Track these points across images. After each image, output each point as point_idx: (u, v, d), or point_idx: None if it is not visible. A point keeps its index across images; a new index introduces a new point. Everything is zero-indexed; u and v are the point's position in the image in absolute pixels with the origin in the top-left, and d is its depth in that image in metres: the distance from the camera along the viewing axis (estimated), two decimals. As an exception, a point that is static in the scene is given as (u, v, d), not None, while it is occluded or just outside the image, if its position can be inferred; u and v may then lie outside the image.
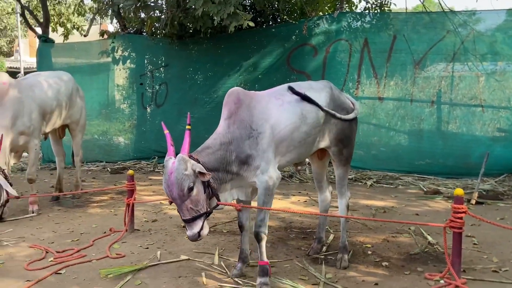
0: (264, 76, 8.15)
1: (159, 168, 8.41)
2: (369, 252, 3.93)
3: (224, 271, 3.53)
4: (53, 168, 8.65)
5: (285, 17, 8.98)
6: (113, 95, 9.94)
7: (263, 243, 3.22)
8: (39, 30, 11.04)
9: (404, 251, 3.96)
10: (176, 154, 2.99)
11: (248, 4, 8.79)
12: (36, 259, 3.89)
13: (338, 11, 7.87)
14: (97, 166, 8.97)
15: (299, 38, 7.94)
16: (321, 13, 8.37)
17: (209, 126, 8.23)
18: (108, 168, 8.62)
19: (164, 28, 7.78)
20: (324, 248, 4.00)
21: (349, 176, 4.58)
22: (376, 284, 3.28)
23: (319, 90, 3.55)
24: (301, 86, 3.54)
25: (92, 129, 9.68)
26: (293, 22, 8.45)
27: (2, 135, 4.96)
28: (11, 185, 5.01)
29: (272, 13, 8.79)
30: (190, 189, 2.86)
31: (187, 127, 3.07)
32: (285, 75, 7.89)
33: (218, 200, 3.07)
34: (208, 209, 3.00)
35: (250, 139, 3.15)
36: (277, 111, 3.29)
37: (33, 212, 5.43)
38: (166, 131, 3.15)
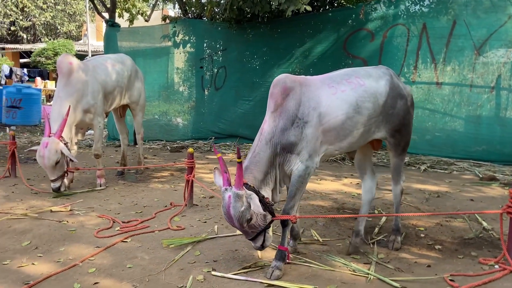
0: (319, 61, 8.06)
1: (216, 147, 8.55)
2: (422, 235, 3.85)
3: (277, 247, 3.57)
4: (118, 146, 9.00)
5: (342, 1, 8.79)
6: (173, 78, 10.17)
7: (288, 229, 3.15)
8: (106, 15, 11.41)
9: (458, 236, 3.85)
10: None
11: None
12: (104, 228, 4.09)
13: (396, -5, 7.62)
14: (158, 144, 9.25)
15: (355, 22, 7.77)
16: (379, -3, 8.13)
17: (265, 109, 8.33)
18: (168, 147, 8.87)
19: (223, 13, 7.84)
20: (376, 230, 3.95)
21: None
22: (429, 266, 3.23)
23: (377, 78, 3.32)
24: (359, 73, 3.34)
25: (153, 110, 9.98)
26: (350, 6, 8.27)
27: (70, 106, 5.18)
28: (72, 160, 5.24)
29: (329, -3, 8.65)
30: (249, 221, 2.91)
31: (238, 160, 2.88)
32: (340, 60, 7.76)
33: (273, 215, 3.04)
34: (268, 226, 3.02)
35: (294, 129, 3.02)
36: (329, 100, 3.11)
37: (100, 185, 5.68)
38: (218, 155, 3.04)
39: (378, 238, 3.78)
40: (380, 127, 3.33)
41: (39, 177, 6.23)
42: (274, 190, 3.15)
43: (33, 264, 3.37)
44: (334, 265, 3.22)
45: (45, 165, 4.92)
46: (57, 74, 17.76)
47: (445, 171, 6.57)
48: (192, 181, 4.74)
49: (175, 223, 4.24)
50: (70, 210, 4.63)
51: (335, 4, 8.91)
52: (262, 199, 2.98)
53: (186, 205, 4.69)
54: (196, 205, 4.83)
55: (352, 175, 6.40)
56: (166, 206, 4.82)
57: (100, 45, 25.50)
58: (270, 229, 3.12)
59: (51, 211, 4.55)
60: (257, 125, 3.27)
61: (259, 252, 3.42)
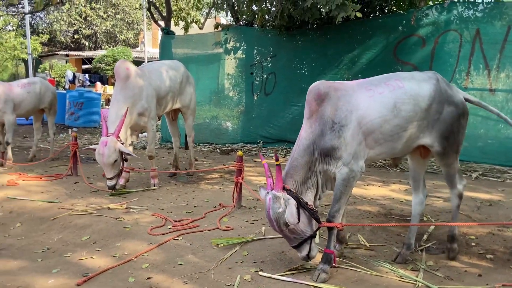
0: (368, 67, 7.92)
1: (263, 151, 8.60)
2: (473, 244, 3.70)
3: (323, 250, 3.53)
4: (170, 148, 9.21)
5: (392, 7, 8.61)
6: (223, 83, 10.31)
7: (334, 233, 3.09)
8: (162, 23, 11.75)
9: (511, 245, 3.67)
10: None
11: (356, -6, 8.59)
12: (157, 226, 4.20)
13: (448, 1, 7.37)
14: (208, 147, 9.40)
15: (406, 28, 7.59)
16: (430, 3, 7.91)
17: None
18: (218, 150, 8.99)
19: (274, 20, 7.87)
20: (425, 237, 3.84)
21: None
22: (480, 275, 3.10)
23: (420, 81, 3.16)
24: (401, 75, 3.23)
25: (204, 114, 10.15)
26: (401, 12, 8.10)
27: (128, 107, 5.37)
28: (126, 160, 5.41)
29: (379, 4, 8.48)
30: (287, 225, 2.90)
31: (276, 163, 2.95)
32: (390, 66, 7.60)
33: (318, 222, 3.03)
34: (313, 234, 2.99)
35: (331, 133, 2.97)
36: (366, 103, 3.02)
37: (154, 185, 5.83)
38: (264, 161, 3.10)
39: (427, 245, 3.66)
40: (424, 132, 3.15)
41: (97, 176, 6.48)
42: (316, 195, 3.12)
43: (92, 257, 3.51)
44: (381, 271, 3.16)
45: (104, 162, 5.11)
46: (115, 79, 18.27)
47: (498, 179, 6.28)
48: (241, 183, 4.79)
49: (224, 223, 4.29)
50: (126, 208, 4.79)
51: (386, 10, 8.74)
52: (305, 206, 2.95)
53: (234, 206, 4.74)
54: (244, 206, 4.87)
55: (400, 181, 6.24)
56: (215, 207, 4.89)
57: (155, 52, 26.28)
58: (316, 238, 3.09)
59: (108, 208, 4.73)
60: (305, 130, 3.26)
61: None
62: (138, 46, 32.80)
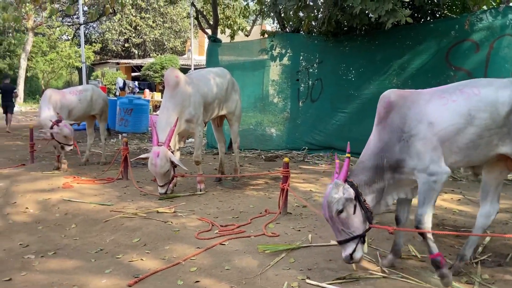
0: (419, 73, 7.72)
1: (308, 158, 8.56)
2: (533, 259, 3.51)
3: (373, 260, 3.47)
4: (216, 153, 9.32)
5: (445, 12, 8.36)
6: (268, 90, 10.33)
7: (428, 236, 3.00)
8: (209, 31, 11.96)
9: None
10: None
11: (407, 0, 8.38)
12: (204, 230, 4.26)
13: (504, 5, 7.08)
14: (253, 153, 9.43)
15: (459, 33, 7.34)
16: (484, 7, 7.62)
17: (360, 122, 8.21)
18: (263, 156, 9.01)
19: (321, 26, 7.83)
20: (480, 249, 3.68)
21: None
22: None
23: (499, 88, 3.01)
24: (477, 82, 3.10)
25: (248, 120, 10.20)
26: (454, 17, 7.85)
27: (177, 118, 5.49)
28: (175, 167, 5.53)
29: (431, 8, 8.25)
30: (339, 212, 2.89)
31: (347, 155, 3.06)
32: (442, 72, 7.38)
33: (369, 222, 3.01)
34: (361, 233, 2.96)
35: (400, 143, 2.96)
36: (437, 111, 2.97)
37: (200, 190, 5.91)
38: (337, 161, 3.14)
39: (483, 257, 3.51)
40: (504, 141, 3.01)
41: (146, 180, 6.65)
42: (382, 201, 3.09)
43: (142, 259, 3.60)
44: (433, 283, 3.05)
45: (157, 172, 5.28)
46: (163, 86, 18.92)
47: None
48: (287, 189, 4.77)
49: (270, 229, 4.28)
50: (174, 212, 4.88)
51: (437, 15, 8.49)
52: (362, 203, 2.96)
53: (280, 212, 4.73)
54: (290, 213, 4.85)
55: (452, 190, 6.03)
56: (261, 212, 4.90)
57: (202, 59, 26.75)
58: (365, 246, 3.03)
59: (157, 211, 4.84)
60: (352, 137, 3.30)
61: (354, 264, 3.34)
62: (185, 54, 33.51)
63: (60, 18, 34.58)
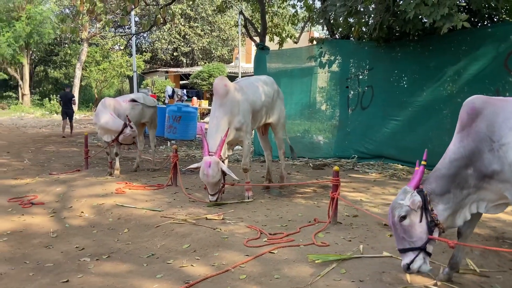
0: (475, 80, 7.43)
1: (358, 167, 8.43)
2: None
3: (429, 273, 3.35)
4: (263, 161, 9.36)
5: (503, 16, 8.02)
6: (315, 97, 10.31)
7: None
8: (257, 39, 12.08)
9: None
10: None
11: (463, 4, 8.11)
12: (252, 238, 4.27)
13: None
14: (300, 161, 9.40)
15: (518, 38, 7.03)
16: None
17: (413, 130, 8.04)
18: (310, 164, 8.96)
19: (372, 32, 7.72)
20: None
21: None
22: None
23: None
24: None
25: (295, 128, 10.18)
26: (514, 21, 7.53)
27: (228, 128, 5.58)
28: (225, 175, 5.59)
29: (488, 13, 7.94)
30: (402, 218, 2.82)
31: (423, 162, 2.94)
32: (500, 78, 7.07)
33: (430, 233, 2.88)
34: (423, 246, 2.85)
35: (489, 152, 2.76)
36: None
37: (248, 198, 5.95)
38: (416, 168, 3.00)
39: None
40: None
41: (195, 186, 6.77)
42: (459, 214, 2.93)
43: (192, 265, 3.66)
44: (494, 300, 2.92)
45: (208, 182, 5.38)
46: (210, 94, 19.30)
47: None
48: (337, 198, 4.72)
49: (320, 239, 4.24)
50: (223, 218, 4.94)
51: (495, 19, 8.16)
52: (427, 211, 2.85)
53: (330, 222, 4.68)
54: (340, 223, 4.79)
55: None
56: (310, 221, 4.86)
57: (249, 67, 27.03)
58: (427, 265, 2.91)
59: (206, 218, 4.91)
60: (404, 146, 3.22)
61: (408, 276, 3.25)
62: (232, 62, 33.94)
63: (113, 29, 36.03)
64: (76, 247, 4.31)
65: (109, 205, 5.55)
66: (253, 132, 7.37)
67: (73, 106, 15.10)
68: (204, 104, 24.14)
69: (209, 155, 5.37)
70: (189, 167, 5.85)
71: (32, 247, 4.32)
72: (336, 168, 4.78)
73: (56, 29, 28.70)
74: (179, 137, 14.18)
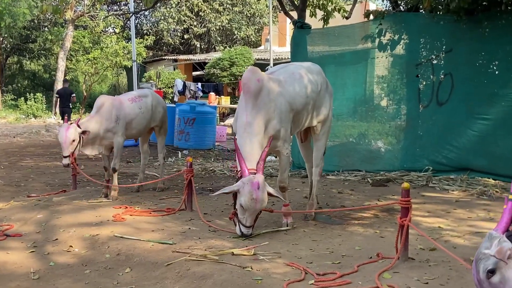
0: None
1: (434, 182, 8.32)
2: None
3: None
4: (304, 176, 9.35)
5: None
6: (372, 89, 10.27)
7: None
8: (294, 15, 12.07)
9: None
10: None
11: None
12: (295, 280, 4.25)
13: None
14: (355, 175, 9.33)
15: None
16: None
17: (511, 132, 7.85)
18: (368, 179, 8.88)
19: (450, 2, 7.63)
20: None
21: None
22: None
23: None
24: None
25: (347, 131, 10.14)
26: None
27: (271, 136, 5.63)
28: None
29: None
30: (489, 273, 2.75)
31: (510, 197, 2.88)
32: None
33: None
34: None
35: None
36: None
37: (287, 225, 5.93)
38: (505, 206, 2.97)
39: None
40: None
41: (216, 211, 6.81)
42: None
43: (216, 316, 3.67)
44: None
45: (257, 209, 5.41)
46: (232, 88, 19.49)
47: None
48: (408, 226, 4.65)
49: (386, 281, 4.19)
50: (254, 254, 4.93)
51: None
52: None
53: (399, 258, 4.61)
54: (412, 259, 4.71)
55: None
56: (371, 257, 4.82)
57: (282, 51, 27.17)
58: None
59: (232, 253, 4.92)
60: (498, 154, 3.16)
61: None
62: (260, 45, 34.13)
63: (105, 6, 36.84)
64: (64, 292, 4.38)
65: (105, 236, 5.63)
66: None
67: (72, 103, 15.93)
68: (225, 101, 24.32)
69: (250, 173, 5.38)
70: (221, 191, 5.74)
71: (8, 293, 4.42)
72: (405, 185, 4.72)
73: (34, 8, 29.57)
74: (193, 146, 14.35)
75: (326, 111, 6.57)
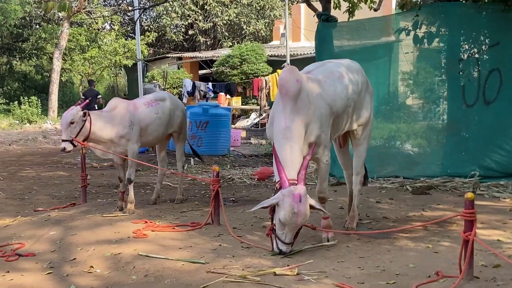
0: None
1: (482, 189, 8.21)
2: None
3: None
4: (334, 183, 9.28)
5: None
6: (409, 87, 10.19)
7: None
8: (318, 7, 11.99)
9: None
10: None
11: None
12: (351, 303, 4.16)
13: None
14: (392, 182, 9.26)
15: None
16: None
17: None
18: (408, 186, 8.82)
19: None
20: None
21: None
22: None
23: None
24: None
25: (381, 132, 10.08)
26: None
27: (313, 143, 5.56)
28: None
29: None
30: None
31: None
32: None
33: None
34: None
35: None
36: None
37: (328, 240, 5.82)
38: None
39: None
40: None
41: (245, 225, 6.71)
42: None
43: None
44: None
45: (298, 224, 5.29)
46: (243, 88, 19.52)
47: None
48: (473, 242, 4.52)
49: (452, 303, 4.09)
50: (298, 273, 4.83)
51: None
52: None
53: (462, 277, 4.49)
54: (477, 277, 4.60)
55: None
56: (429, 276, 4.71)
57: (296, 46, 27.05)
58: None
59: (274, 273, 4.81)
60: None
61: None
62: (271, 40, 34.08)
63: (102, 1, 36.90)
64: (91, 320, 4.29)
65: (128, 255, 5.54)
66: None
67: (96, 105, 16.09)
68: (236, 102, 24.22)
69: (290, 183, 5.27)
70: (260, 205, 5.55)
71: (29, 321, 4.33)
72: (470, 195, 4.60)
73: (25, 4, 29.61)
74: (206, 152, 14.25)
75: (367, 113, 6.50)
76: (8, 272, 5.38)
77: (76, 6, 29.62)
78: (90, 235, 6.30)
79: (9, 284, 5.08)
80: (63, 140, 7.17)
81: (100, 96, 16.88)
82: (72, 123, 7.07)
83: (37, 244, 6.19)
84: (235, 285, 4.60)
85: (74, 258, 5.64)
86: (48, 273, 5.33)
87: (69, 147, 7.13)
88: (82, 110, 7.16)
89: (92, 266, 5.39)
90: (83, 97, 16.53)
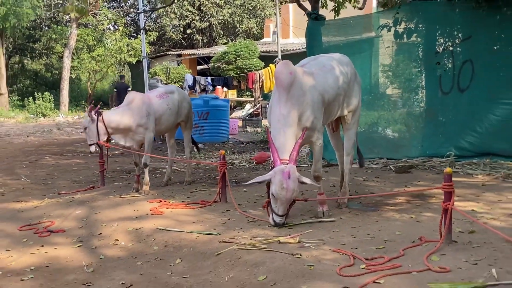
0: None
1: (457, 167, 8.40)
2: None
3: None
4: (326, 165, 9.46)
5: None
6: (389, 78, 10.35)
7: None
8: (307, 6, 12.14)
9: None
10: None
11: None
12: (346, 265, 4.34)
13: None
14: (377, 163, 9.43)
15: None
16: None
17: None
18: (391, 166, 9.00)
19: (470, -11, 7.70)
20: None
21: None
22: None
23: None
24: None
25: (368, 119, 10.23)
26: None
27: (305, 128, 5.73)
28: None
29: None
30: None
31: None
32: None
33: None
34: None
35: None
36: None
37: (323, 214, 6.02)
38: None
39: None
40: None
41: (249, 202, 6.91)
42: None
43: (279, 302, 3.77)
44: None
45: (288, 198, 5.49)
46: (238, 81, 19.74)
47: None
48: (451, 210, 4.73)
49: (435, 263, 4.26)
50: (299, 241, 5.03)
51: None
52: None
53: (443, 241, 4.70)
54: (455, 241, 4.80)
55: None
56: (413, 241, 4.90)
57: (286, 43, 27.15)
58: None
59: (279, 242, 5.01)
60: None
61: None
62: (262, 38, 34.16)
63: (105, 3, 36.79)
64: (122, 283, 4.49)
65: (148, 229, 5.74)
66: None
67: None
68: (232, 94, 24.36)
69: (282, 163, 5.49)
70: (254, 180, 5.85)
71: (67, 286, 4.53)
72: (448, 170, 4.81)
73: (37, 8, 29.53)
74: (207, 139, 14.42)
75: (356, 101, 6.69)
76: (43, 245, 5.59)
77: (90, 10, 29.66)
78: (112, 213, 6.49)
79: (45, 256, 5.29)
80: (89, 144, 7.57)
81: (129, 88, 17.22)
82: (85, 128, 7.47)
83: (65, 222, 6.38)
84: (245, 252, 4.79)
85: (100, 233, 5.86)
86: (78, 246, 5.56)
87: (92, 148, 7.59)
88: (89, 114, 7.42)
89: (117, 239, 5.62)
90: (115, 90, 17.86)
